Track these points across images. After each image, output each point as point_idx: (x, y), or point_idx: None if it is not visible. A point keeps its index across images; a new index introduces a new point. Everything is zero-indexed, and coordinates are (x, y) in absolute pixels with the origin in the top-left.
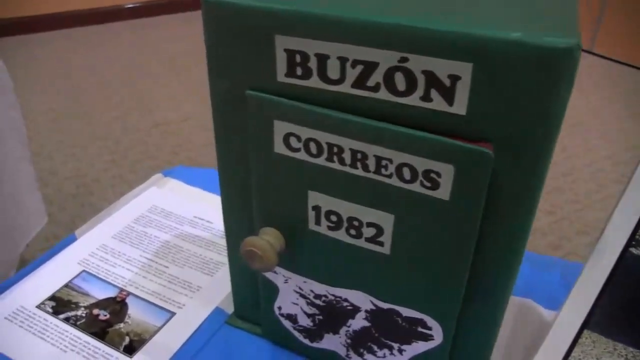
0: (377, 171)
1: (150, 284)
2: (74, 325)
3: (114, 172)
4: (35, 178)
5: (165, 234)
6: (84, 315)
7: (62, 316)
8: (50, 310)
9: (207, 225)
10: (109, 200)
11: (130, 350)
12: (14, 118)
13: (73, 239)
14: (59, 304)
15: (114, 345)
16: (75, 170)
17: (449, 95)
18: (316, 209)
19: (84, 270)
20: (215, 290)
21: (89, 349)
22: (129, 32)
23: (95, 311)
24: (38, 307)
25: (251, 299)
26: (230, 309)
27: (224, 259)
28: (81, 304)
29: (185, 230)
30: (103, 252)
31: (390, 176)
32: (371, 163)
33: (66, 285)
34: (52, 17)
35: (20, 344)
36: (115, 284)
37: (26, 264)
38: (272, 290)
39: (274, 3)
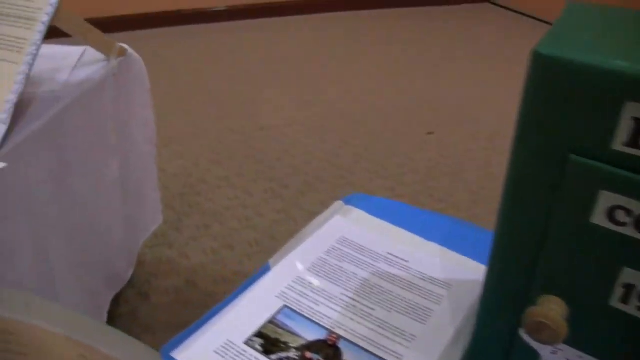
0: None
1: (360, 327)
2: None
3: (219, 173)
4: (156, 177)
5: (361, 270)
6: (296, 357)
7: (274, 357)
8: (260, 348)
9: (403, 264)
10: (215, 202)
11: None
12: (147, 118)
13: (267, 269)
14: (268, 342)
15: None
16: (181, 169)
17: None
18: (628, 287)
19: (285, 306)
20: (432, 340)
21: None
22: (230, 33)
23: (308, 354)
24: (246, 343)
25: None
26: None
27: (432, 305)
28: (291, 345)
29: (381, 268)
30: (301, 286)
31: None
32: None
33: (270, 322)
34: (155, 15)
35: None
36: (322, 324)
37: (142, 262)
38: (532, 358)
39: (630, 64)
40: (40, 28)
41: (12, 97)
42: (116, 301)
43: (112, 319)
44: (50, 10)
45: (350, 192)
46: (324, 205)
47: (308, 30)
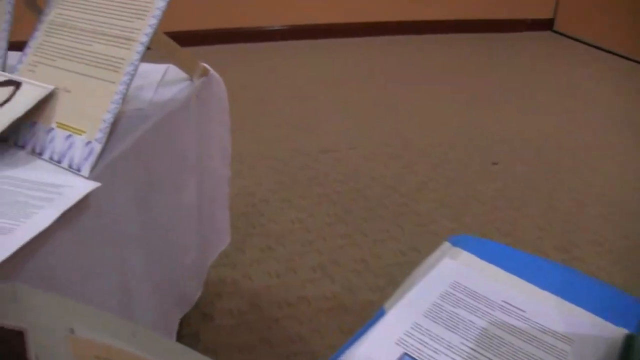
0: None
1: None
2: None
3: (282, 194)
4: (227, 197)
5: (478, 318)
6: None
7: None
8: None
9: (520, 314)
10: (278, 223)
11: None
12: (224, 138)
13: (382, 314)
14: None
15: None
16: (244, 188)
17: None
18: None
19: (405, 354)
20: None
21: None
22: (292, 52)
23: None
24: None
25: None
26: None
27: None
28: None
29: (498, 317)
30: (419, 332)
31: None
32: None
33: None
34: (215, 32)
35: None
36: None
37: (206, 283)
38: None
39: None
40: (139, 48)
41: (109, 117)
42: (179, 322)
43: (176, 340)
44: (149, 31)
45: (414, 220)
46: (389, 232)
47: (370, 52)
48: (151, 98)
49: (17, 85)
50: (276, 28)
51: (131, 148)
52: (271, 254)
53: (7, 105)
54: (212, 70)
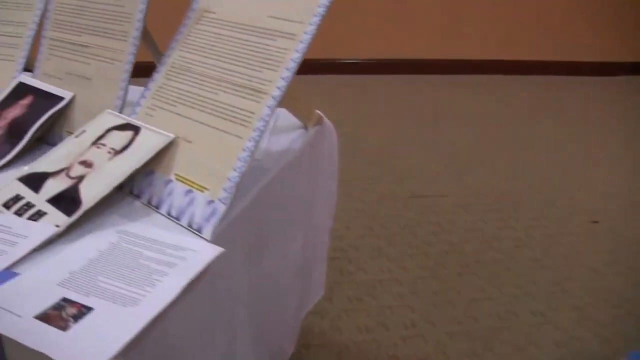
0: None
1: None
2: None
3: (371, 241)
4: (327, 249)
5: None
6: None
7: None
8: None
9: None
10: (368, 272)
11: None
12: (332, 190)
13: None
14: None
15: None
16: (333, 231)
17: None
18: None
19: None
20: None
21: None
22: (384, 87)
23: None
24: None
25: None
26: None
27: None
28: None
29: None
30: None
31: None
32: None
33: None
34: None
35: None
36: None
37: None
38: None
39: None
40: (270, 103)
41: (234, 175)
42: None
43: None
44: (282, 84)
45: (512, 281)
46: (485, 292)
47: (464, 91)
48: (266, 147)
49: (136, 130)
50: (372, 61)
51: (248, 206)
52: (361, 305)
53: (126, 153)
54: (325, 119)
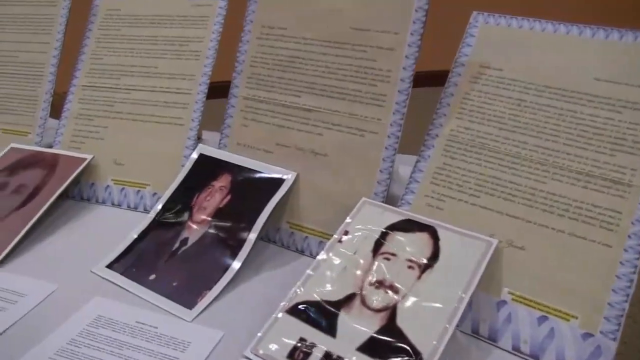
0: None
1: None
2: None
3: None
4: None
5: None
6: None
7: None
8: None
9: None
10: None
11: None
12: None
13: None
14: None
15: None
16: None
17: None
18: None
19: None
20: None
21: None
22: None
23: None
24: None
25: None
26: None
27: None
28: None
29: None
30: None
31: None
32: None
33: None
34: None
35: None
36: None
37: None
38: None
39: None
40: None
41: (619, 300)
42: None
43: None
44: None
45: None
46: None
47: None
48: None
49: (429, 231)
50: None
51: None
52: None
53: (437, 266)
54: None
